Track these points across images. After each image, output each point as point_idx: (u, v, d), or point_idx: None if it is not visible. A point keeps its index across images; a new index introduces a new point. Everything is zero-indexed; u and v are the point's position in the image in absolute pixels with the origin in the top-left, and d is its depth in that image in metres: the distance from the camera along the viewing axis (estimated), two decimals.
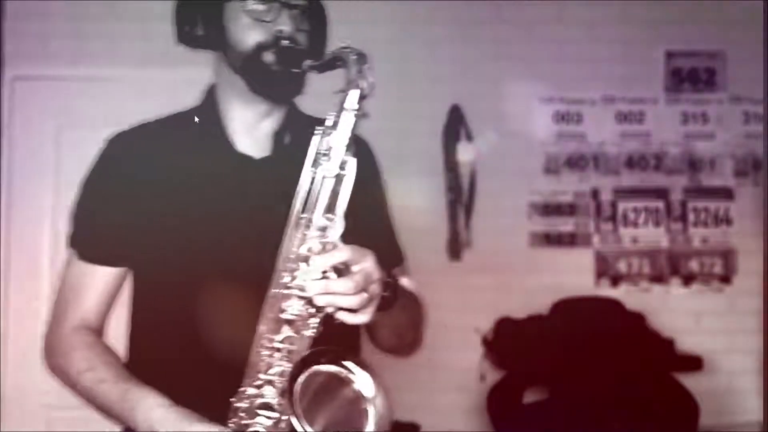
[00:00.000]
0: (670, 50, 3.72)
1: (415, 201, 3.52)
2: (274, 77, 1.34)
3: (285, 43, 1.32)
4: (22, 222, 3.53)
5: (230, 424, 1.24)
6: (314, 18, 1.40)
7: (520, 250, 3.64)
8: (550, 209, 3.66)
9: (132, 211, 1.39)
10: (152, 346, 1.42)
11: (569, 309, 3.50)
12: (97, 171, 1.46)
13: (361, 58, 1.23)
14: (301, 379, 1.16)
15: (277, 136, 1.43)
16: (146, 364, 1.39)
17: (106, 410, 1.37)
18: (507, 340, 3.45)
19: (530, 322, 3.48)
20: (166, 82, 3.52)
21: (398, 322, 1.39)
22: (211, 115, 1.44)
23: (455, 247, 3.61)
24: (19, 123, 3.57)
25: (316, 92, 1.38)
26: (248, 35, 1.35)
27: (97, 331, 1.45)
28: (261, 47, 1.34)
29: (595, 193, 3.69)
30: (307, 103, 1.47)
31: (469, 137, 3.59)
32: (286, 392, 1.14)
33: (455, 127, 3.57)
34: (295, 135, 1.43)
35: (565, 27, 3.69)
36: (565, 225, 3.67)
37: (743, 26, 3.64)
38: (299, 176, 1.26)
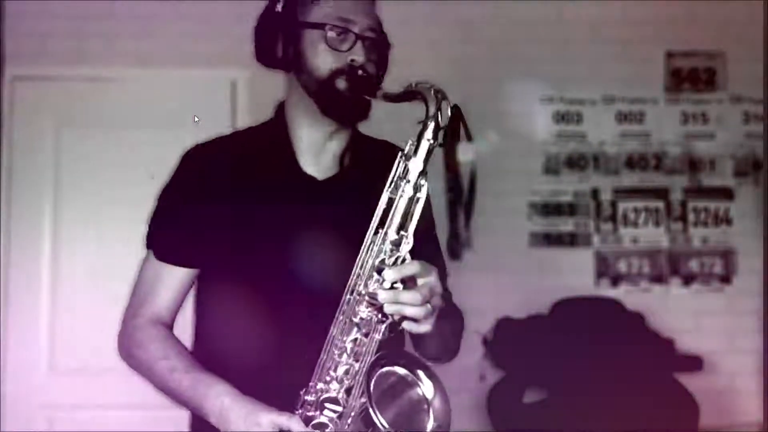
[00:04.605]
0: (670, 50, 3.72)
1: None
2: (346, 102, 1.45)
3: (360, 72, 1.45)
4: (22, 222, 3.52)
5: (297, 415, 1.33)
6: (380, 49, 1.54)
7: (520, 250, 3.64)
8: (550, 209, 3.66)
9: (206, 218, 1.49)
10: (217, 343, 1.51)
11: (569, 309, 3.50)
12: (176, 180, 1.56)
13: (440, 93, 1.36)
14: (377, 374, 1.30)
15: (341, 157, 1.55)
16: (211, 358, 1.48)
17: (176, 397, 1.46)
18: (507, 340, 3.45)
19: (530, 322, 3.48)
20: (166, 82, 3.53)
21: (445, 332, 1.49)
22: (281, 132, 1.55)
23: (455, 247, 3.60)
24: (19, 123, 3.56)
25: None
26: (324, 62, 1.46)
27: (169, 325, 1.54)
28: (336, 74, 1.45)
29: (595, 193, 3.69)
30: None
31: (469, 137, 3.58)
32: (364, 384, 1.28)
33: (455, 127, 3.56)
34: (356, 156, 1.57)
35: (565, 27, 3.69)
36: (565, 225, 3.67)
37: (743, 26, 3.64)
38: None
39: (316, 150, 1.53)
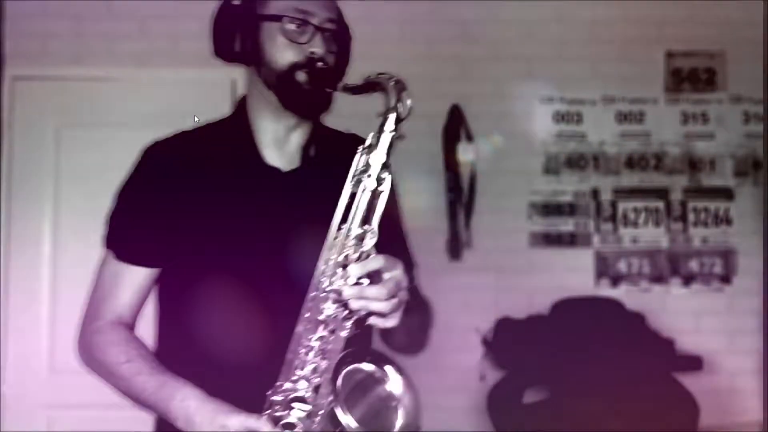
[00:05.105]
0: (670, 50, 3.72)
1: (415, 201, 3.53)
2: (306, 95, 1.43)
3: (319, 64, 1.42)
4: (22, 222, 3.52)
5: (265, 416, 1.32)
6: (341, 40, 1.50)
7: (520, 250, 3.64)
8: (550, 209, 3.66)
9: (166, 216, 1.47)
10: (181, 343, 1.49)
11: (569, 309, 3.50)
12: (134, 178, 1.54)
13: (400, 84, 1.31)
14: (344, 372, 1.28)
15: (304, 149, 1.53)
16: (175, 359, 1.46)
17: (141, 401, 1.43)
18: (507, 340, 3.45)
19: (530, 322, 3.48)
20: (166, 82, 3.52)
21: (413, 325, 1.47)
22: (243, 126, 1.53)
23: (455, 247, 3.61)
24: (19, 123, 3.56)
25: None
26: (283, 55, 1.45)
27: (130, 327, 1.52)
28: (295, 67, 1.43)
29: (595, 193, 3.69)
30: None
31: (469, 137, 3.59)
32: (331, 383, 1.26)
33: (455, 127, 3.57)
34: (320, 148, 1.54)
35: (565, 27, 3.69)
36: (565, 225, 3.67)
37: (743, 26, 3.64)
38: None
39: (279, 143, 1.52)
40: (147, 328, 1.58)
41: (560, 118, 3.69)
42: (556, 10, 3.67)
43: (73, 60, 3.57)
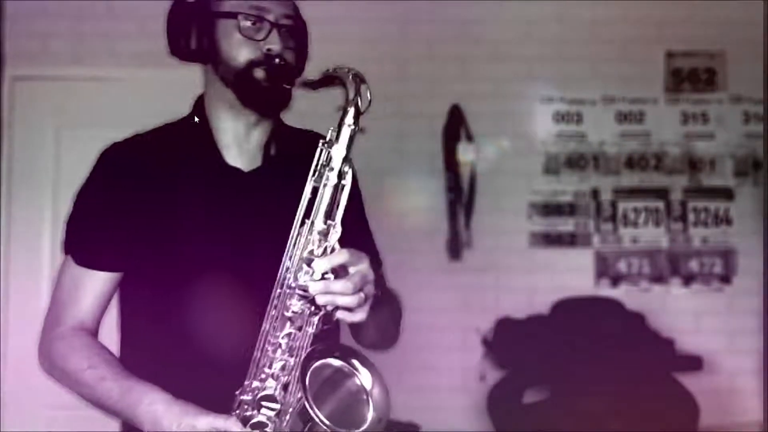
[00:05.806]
0: (670, 50, 3.72)
1: (415, 201, 3.53)
2: (265, 92, 1.42)
3: (277, 61, 1.41)
4: (22, 222, 3.52)
5: (233, 416, 1.30)
6: (298, 36, 1.48)
7: (520, 250, 3.64)
8: (550, 209, 3.66)
9: (125, 219, 1.45)
10: (146, 346, 1.47)
11: (569, 309, 3.50)
12: (93, 181, 1.51)
13: (358, 77, 1.30)
14: (312, 368, 1.26)
15: (265, 148, 1.51)
16: (140, 363, 1.43)
17: (107, 408, 1.41)
18: (507, 340, 3.45)
19: (530, 322, 3.48)
20: (166, 82, 3.52)
21: (382, 319, 1.45)
22: (202, 126, 1.51)
23: (455, 247, 3.61)
24: (19, 123, 3.56)
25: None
26: (240, 52, 1.43)
27: (93, 332, 1.49)
28: (252, 64, 1.42)
29: (595, 193, 3.69)
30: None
31: (469, 137, 3.59)
32: (299, 379, 1.24)
33: (455, 127, 3.57)
34: (281, 146, 1.52)
35: (565, 27, 3.69)
36: (565, 225, 3.67)
37: (743, 26, 3.64)
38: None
39: (240, 141, 1.49)
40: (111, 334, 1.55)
41: (560, 118, 3.69)
42: (556, 10, 3.67)
43: (73, 60, 3.57)
